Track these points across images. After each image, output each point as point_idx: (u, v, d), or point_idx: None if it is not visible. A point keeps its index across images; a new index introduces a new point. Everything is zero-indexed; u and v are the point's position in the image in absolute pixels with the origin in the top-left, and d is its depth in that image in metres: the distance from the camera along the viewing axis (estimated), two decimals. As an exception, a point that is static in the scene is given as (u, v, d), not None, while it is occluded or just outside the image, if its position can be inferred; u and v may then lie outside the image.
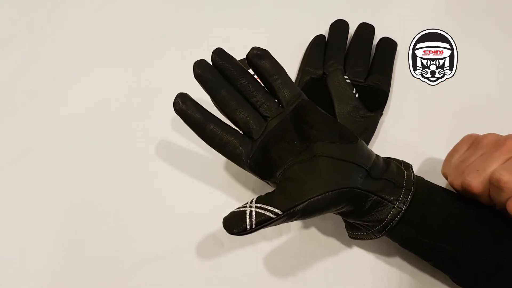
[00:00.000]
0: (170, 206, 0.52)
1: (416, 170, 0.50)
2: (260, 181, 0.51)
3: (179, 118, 0.55)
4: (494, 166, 0.38)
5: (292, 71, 0.58)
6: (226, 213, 0.39)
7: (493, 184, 0.37)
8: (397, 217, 0.39)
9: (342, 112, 0.53)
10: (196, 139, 0.54)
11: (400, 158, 0.45)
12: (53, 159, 0.56)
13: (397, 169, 0.42)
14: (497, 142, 0.39)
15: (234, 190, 0.52)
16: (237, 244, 0.49)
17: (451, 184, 0.42)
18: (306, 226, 0.50)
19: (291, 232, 0.50)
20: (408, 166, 0.43)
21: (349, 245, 0.48)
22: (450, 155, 0.45)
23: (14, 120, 0.59)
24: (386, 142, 0.53)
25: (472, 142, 0.42)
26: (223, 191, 0.52)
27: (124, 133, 0.57)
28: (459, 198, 0.42)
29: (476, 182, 0.38)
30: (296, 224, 0.50)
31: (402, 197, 0.39)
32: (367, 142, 0.52)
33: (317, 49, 0.59)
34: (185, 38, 0.64)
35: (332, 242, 0.49)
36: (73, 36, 0.66)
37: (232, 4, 0.67)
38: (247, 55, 0.43)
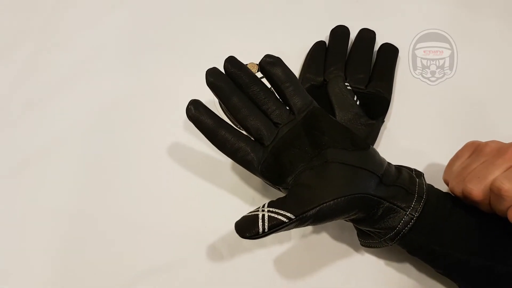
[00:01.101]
0: (168, 219, 0.51)
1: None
2: (260, 192, 0.51)
3: (179, 129, 0.56)
4: (495, 174, 0.38)
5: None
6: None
7: (494, 192, 0.37)
8: (409, 225, 0.40)
9: (343, 120, 0.53)
10: (195, 151, 0.55)
11: (404, 165, 0.45)
12: (54, 168, 0.55)
13: (409, 177, 0.42)
14: (500, 149, 0.39)
15: (233, 201, 0.52)
16: (237, 255, 0.49)
17: (451, 191, 0.43)
18: (307, 233, 0.50)
19: (290, 240, 0.49)
20: (419, 174, 0.44)
21: (358, 252, 0.48)
22: (452, 161, 0.45)
23: (13, 129, 0.58)
24: (388, 150, 0.53)
25: (474, 149, 0.43)
26: (221, 202, 0.52)
27: (124, 141, 0.56)
28: (467, 206, 0.42)
29: (477, 190, 0.38)
30: (296, 231, 0.50)
31: (414, 204, 0.40)
32: (370, 150, 0.53)
33: (318, 55, 0.59)
34: (186, 45, 0.64)
35: (335, 249, 0.49)
36: (73, 43, 0.65)
37: (232, 11, 0.67)
38: (260, 62, 0.43)
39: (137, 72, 0.62)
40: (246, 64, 0.56)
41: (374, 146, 0.54)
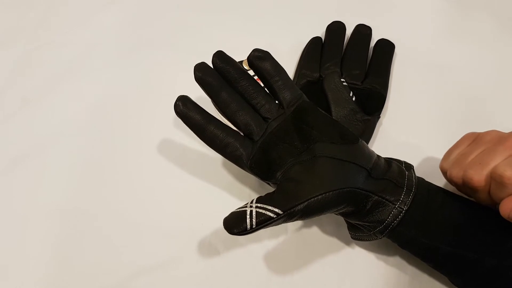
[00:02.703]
0: (164, 216, 0.51)
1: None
2: (257, 188, 0.51)
3: (173, 125, 0.56)
4: (497, 161, 0.37)
5: (288, 74, 0.58)
6: (219, 220, 0.39)
7: (495, 179, 0.36)
8: (398, 218, 0.39)
9: (339, 116, 0.53)
10: (192, 148, 0.55)
11: (394, 158, 0.45)
12: (48, 164, 0.55)
13: (398, 170, 0.42)
14: (501, 137, 0.39)
15: (228, 198, 0.52)
16: (233, 251, 0.49)
17: (449, 178, 0.42)
18: (305, 227, 0.50)
19: (286, 235, 0.49)
20: (409, 167, 0.43)
21: (349, 245, 0.48)
22: (450, 150, 0.44)
23: (8, 125, 0.59)
24: (384, 145, 0.54)
25: (474, 139, 0.42)
26: (216, 199, 0.52)
27: (119, 138, 0.57)
28: (459, 199, 0.42)
29: (478, 176, 0.38)
30: (292, 226, 0.50)
31: (403, 198, 0.40)
32: (365, 146, 0.53)
33: (314, 51, 0.60)
34: (180, 41, 0.64)
35: (330, 244, 0.48)
36: (68, 40, 0.66)
37: (228, 7, 0.67)
38: (248, 57, 0.43)
39: (132, 68, 0.62)
40: (241, 61, 0.56)
41: (370, 142, 0.53)
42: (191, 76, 0.44)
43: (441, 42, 0.62)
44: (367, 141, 0.53)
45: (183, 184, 0.53)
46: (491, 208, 0.41)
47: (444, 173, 0.44)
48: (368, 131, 0.53)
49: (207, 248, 0.49)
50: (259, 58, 0.43)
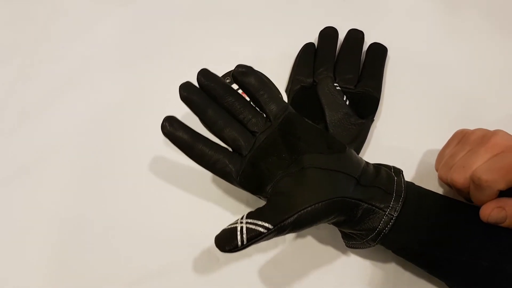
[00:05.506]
0: (163, 224, 0.52)
1: (409, 175, 0.50)
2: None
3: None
4: (478, 163, 0.38)
5: (282, 80, 0.59)
6: (219, 227, 0.39)
7: (474, 182, 0.38)
8: (389, 224, 0.39)
9: (333, 120, 0.53)
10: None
11: (393, 164, 0.45)
12: (47, 177, 0.56)
13: (387, 176, 0.42)
14: (483, 137, 0.40)
15: (227, 204, 0.52)
16: (232, 259, 0.49)
17: (440, 179, 0.44)
18: (300, 236, 0.50)
19: (285, 243, 0.49)
20: (398, 172, 0.43)
21: (344, 253, 0.48)
22: (442, 149, 0.46)
23: (8, 138, 0.59)
24: (378, 149, 0.54)
25: (462, 137, 0.43)
26: (216, 205, 0.52)
27: (114, 150, 0.57)
28: (451, 202, 0.42)
29: (462, 179, 0.40)
30: (290, 235, 0.50)
31: (393, 204, 0.40)
32: (359, 149, 0.52)
33: (307, 57, 0.60)
34: (174, 52, 0.65)
35: (327, 251, 0.49)
36: (64, 54, 0.67)
37: (221, 15, 0.67)
38: (232, 73, 0.44)
39: (129, 80, 0.63)
40: (231, 71, 0.56)
41: (364, 145, 0.53)
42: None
43: (433, 44, 0.62)
44: (361, 144, 0.53)
45: (183, 191, 0.53)
46: None
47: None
48: (362, 135, 0.53)
49: (206, 255, 0.49)
50: (243, 73, 0.44)
